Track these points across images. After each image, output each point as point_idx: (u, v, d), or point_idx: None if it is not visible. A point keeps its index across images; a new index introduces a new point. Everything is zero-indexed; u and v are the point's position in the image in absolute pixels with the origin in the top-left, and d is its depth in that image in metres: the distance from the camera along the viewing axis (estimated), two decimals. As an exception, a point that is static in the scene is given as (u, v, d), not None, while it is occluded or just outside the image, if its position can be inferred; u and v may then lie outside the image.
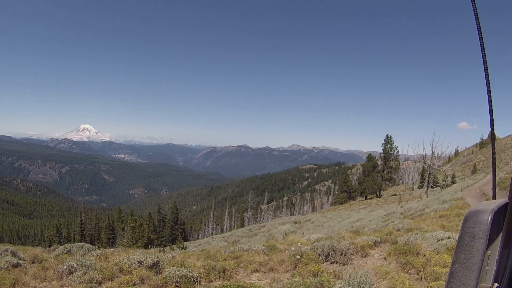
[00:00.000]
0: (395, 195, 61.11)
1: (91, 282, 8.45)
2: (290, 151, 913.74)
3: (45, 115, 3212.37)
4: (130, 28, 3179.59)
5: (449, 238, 10.57)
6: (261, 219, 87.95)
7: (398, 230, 14.74)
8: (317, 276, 8.12)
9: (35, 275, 9.55)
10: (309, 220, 45.38)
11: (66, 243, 26.14)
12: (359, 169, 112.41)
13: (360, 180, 71.29)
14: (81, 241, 49.74)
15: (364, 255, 10.65)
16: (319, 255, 10.09)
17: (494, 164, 1.94)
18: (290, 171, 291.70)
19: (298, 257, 9.77)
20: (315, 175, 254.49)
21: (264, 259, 10.26)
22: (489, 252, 1.54)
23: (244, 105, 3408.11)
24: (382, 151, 67.35)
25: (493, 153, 1.91)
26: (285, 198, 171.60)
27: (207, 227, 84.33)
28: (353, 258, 10.13)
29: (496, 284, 1.55)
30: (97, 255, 12.25)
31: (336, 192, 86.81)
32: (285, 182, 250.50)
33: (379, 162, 69.95)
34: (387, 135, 67.25)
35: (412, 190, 66.68)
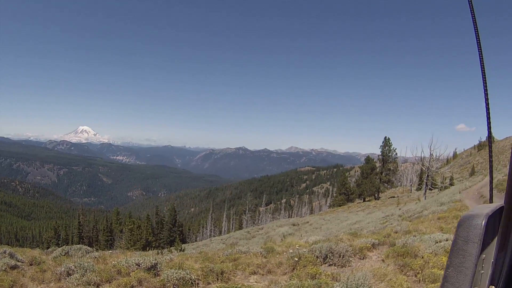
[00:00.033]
0: (393, 197, 61.15)
1: (89, 284, 8.43)
2: (289, 153, 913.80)
3: (43, 116, 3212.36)
4: (129, 29, 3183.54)
5: (447, 240, 10.57)
6: (259, 221, 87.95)
7: (396, 232, 14.74)
8: (315, 278, 8.12)
9: (33, 277, 9.52)
10: (307, 222, 45.37)
11: (64, 245, 26.08)
12: (358, 171, 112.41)
13: (359, 182, 71.28)
14: (79, 243, 49.60)
15: (362, 257, 10.64)
16: (317, 257, 10.09)
17: (491, 167, 1.95)
18: (289, 173, 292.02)
19: (296, 259, 9.76)
20: (314, 177, 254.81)
21: (262, 261, 10.25)
22: (484, 256, 1.55)
23: (242, 107, 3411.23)
24: (380, 153, 67.39)
25: (490, 156, 1.92)
26: (283, 200, 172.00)
27: (205, 229, 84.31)
28: (351, 260, 10.13)
29: (492, 287, 1.56)
30: (95, 257, 12.22)
31: (335, 194, 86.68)
32: (283, 184, 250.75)
33: (377, 164, 69.98)
34: (385, 137, 67.36)
35: (410, 192, 66.70)
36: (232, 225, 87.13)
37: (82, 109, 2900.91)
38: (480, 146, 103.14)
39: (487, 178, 41.14)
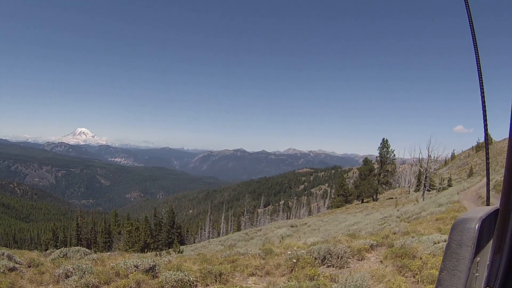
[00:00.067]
0: (392, 198, 61.23)
1: (88, 286, 8.42)
2: (287, 155, 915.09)
3: (41, 118, 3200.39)
4: (127, 31, 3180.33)
5: (445, 241, 10.56)
6: (258, 223, 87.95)
7: (394, 233, 14.77)
8: (314, 279, 8.13)
9: (32, 279, 9.54)
10: (306, 223, 45.40)
11: (62, 247, 26.09)
12: (356, 172, 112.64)
13: (357, 183, 71.35)
14: (77, 245, 49.51)
15: (360, 259, 10.66)
16: (316, 258, 10.10)
17: (488, 170, 1.96)
18: (287, 175, 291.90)
19: (295, 260, 9.77)
20: (312, 179, 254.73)
21: (260, 263, 10.27)
22: (478, 259, 1.57)
23: (240, 109, 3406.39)
24: (378, 155, 67.46)
25: (487, 158, 1.92)
26: (282, 202, 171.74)
27: (203, 231, 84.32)
28: (349, 262, 10.14)
29: None
30: (94, 259, 12.23)
31: (333, 196, 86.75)
32: (282, 186, 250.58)
33: (376, 166, 70.02)
34: (383, 138, 67.41)
35: (409, 193, 66.82)
36: (231, 227, 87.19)
37: (80, 111, 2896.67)
38: (478, 148, 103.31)
39: (485, 179, 41.30)
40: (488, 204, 1.96)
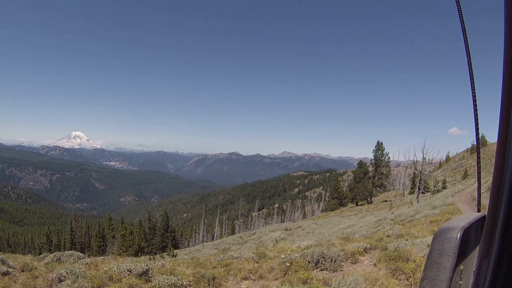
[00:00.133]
0: (386, 201, 61.29)
1: (80, 291, 8.38)
2: (281, 158, 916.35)
3: (36, 122, 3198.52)
4: (122, 35, 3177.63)
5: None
6: (252, 226, 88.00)
7: (388, 236, 14.75)
8: (307, 283, 8.09)
9: (25, 283, 9.49)
10: (300, 227, 45.38)
11: (56, 251, 26.01)
12: (350, 175, 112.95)
13: (351, 186, 71.40)
14: (71, 249, 49.41)
15: (354, 262, 10.63)
16: (309, 262, 10.07)
17: (479, 174, 1.94)
18: (281, 178, 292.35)
19: (288, 264, 9.74)
20: (306, 182, 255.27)
21: (254, 267, 10.23)
22: (462, 267, 1.57)
23: (235, 112, 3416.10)
24: (373, 158, 67.52)
25: (478, 162, 1.91)
26: (276, 205, 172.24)
27: (197, 234, 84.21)
28: (343, 265, 10.11)
29: None
30: (87, 263, 12.22)
31: (327, 199, 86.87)
32: (276, 189, 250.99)
33: (370, 169, 70.17)
34: (378, 141, 67.51)
35: (403, 196, 66.91)
36: (225, 230, 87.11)
37: (75, 115, 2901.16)
38: (472, 150, 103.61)
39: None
40: (479, 209, 1.96)
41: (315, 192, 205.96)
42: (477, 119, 1.76)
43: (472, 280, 1.62)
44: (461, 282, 1.57)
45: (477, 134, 1.78)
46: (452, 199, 29.04)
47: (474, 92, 1.75)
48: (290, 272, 9.30)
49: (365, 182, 67.36)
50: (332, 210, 68.37)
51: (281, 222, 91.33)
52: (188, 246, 73.04)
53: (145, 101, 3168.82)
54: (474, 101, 1.75)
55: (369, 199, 67.32)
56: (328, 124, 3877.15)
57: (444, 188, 52.36)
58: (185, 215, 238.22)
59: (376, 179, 67.70)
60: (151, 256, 27.34)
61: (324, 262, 9.99)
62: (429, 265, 1.50)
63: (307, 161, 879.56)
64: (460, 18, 1.76)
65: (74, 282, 8.74)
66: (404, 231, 15.21)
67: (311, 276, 8.59)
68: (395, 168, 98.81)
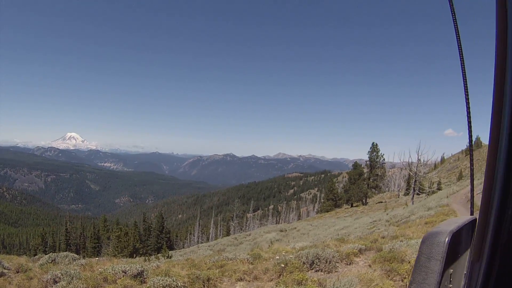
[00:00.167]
0: (381, 202, 61.42)
1: (74, 292, 8.36)
2: (276, 160, 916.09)
3: (31, 123, 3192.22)
4: (116, 36, 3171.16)
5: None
6: (247, 228, 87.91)
7: (383, 238, 14.76)
8: (301, 284, 8.09)
9: (20, 284, 9.49)
10: (295, 228, 45.36)
11: (51, 252, 25.90)
12: (345, 177, 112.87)
13: (346, 188, 71.50)
14: (66, 250, 49.23)
15: (349, 263, 10.63)
16: (304, 263, 10.07)
17: (472, 176, 1.95)
18: (276, 179, 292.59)
19: (283, 265, 9.73)
20: (301, 183, 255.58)
21: (248, 268, 10.21)
22: (451, 270, 1.58)
23: (230, 113, 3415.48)
24: (368, 159, 67.66)
25: (471, 165, 1.92)
26: (271, 207, 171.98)
27: (192, 235, 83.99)
28: (338, 266, 10.10)
29: None
30: (82, 265, 12.22)
31: (322, 200, 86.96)
32: (271, 191, 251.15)
33: (365, 170, 70.29)
34: (373, 143, 67.64)
35: (398, 197, 67.12)
36: (220, 232, 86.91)
37: (70, 116, 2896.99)
38: (467, 151, 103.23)
39: (475, 182, 41.54)
40: (472, 212, 1.97)
41: (310, 194, 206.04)
42: (470, 121, 1.77)
43: (463, 283, 1.62)
44: (451, 286, 1.58)
45: (470, 136, 1.79)
46: (447, 200, 29.11)
47: (467, 94, 1.76)
48: (285, 273, 9.29)
49: (360, 183, 67.46)
50: (327, 212, 68.39)
51: (276, 223, 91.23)
52: (183, 247, 72.84)
53: (140, 102, 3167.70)
54: (467, 103, 1.75)
55: (364, 201, 67.41)
56: (323, 126, 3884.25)
57: (439, 189, 52.53)
58: (180, 216, 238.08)
59: (371, 180, 67.82)
60: (146, 257, 27.25)
61: (319, 263, 9.98)
62: (417, 269, 1.50)
63: (302, 163, 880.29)
64: (453, 21, 1.77)
65: (69, 283, 8.72)
66: (399, 232, 15.23)
67: (306, 277, 8.59)
68: (390, 170, 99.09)
